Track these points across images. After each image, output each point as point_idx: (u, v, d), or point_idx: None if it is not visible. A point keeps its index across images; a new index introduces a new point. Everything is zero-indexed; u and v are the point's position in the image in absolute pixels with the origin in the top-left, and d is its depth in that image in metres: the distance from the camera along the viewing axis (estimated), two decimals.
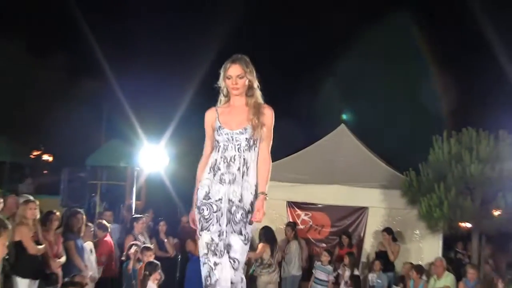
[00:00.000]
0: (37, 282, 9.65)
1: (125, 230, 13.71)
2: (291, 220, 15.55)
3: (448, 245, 15.53)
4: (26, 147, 26.06)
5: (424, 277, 13.33)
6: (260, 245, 13.71)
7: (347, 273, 13.75)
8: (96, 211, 16.39)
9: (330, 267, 13.98)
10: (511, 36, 22.46)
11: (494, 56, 22.29)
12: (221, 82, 5.71)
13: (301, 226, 15.57)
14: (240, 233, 5.43)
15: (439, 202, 13.92)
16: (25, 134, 26.38)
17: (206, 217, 5.52)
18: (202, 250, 5.54)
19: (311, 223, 15.69)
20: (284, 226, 15.20)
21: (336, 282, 14.04)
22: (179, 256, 14.18)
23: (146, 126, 19.02)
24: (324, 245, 15.46)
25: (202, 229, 5.55)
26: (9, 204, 10.94)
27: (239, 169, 5.55)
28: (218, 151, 5.65)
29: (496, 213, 14.26)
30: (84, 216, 11.40)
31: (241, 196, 5.50)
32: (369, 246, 15.27)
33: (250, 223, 5.50)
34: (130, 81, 25.14)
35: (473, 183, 14.04)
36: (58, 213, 10.77)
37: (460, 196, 13.98)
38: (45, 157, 27.93)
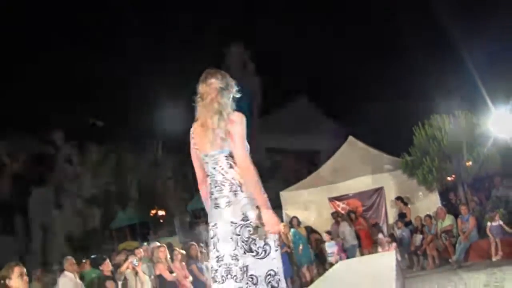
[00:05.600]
0: None
1: None
2: (334, 210, 15.47)
3: (443, 197, 15.47)
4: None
5: (433, 221, 13.69)
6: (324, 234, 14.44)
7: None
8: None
9: None
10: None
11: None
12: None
13: (342, 212, 15.37)
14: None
15: (429, 170, 14.21)
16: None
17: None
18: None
19: (348, 208, 15.44)
20: (330, 215, 15.31)
21: None
22: None
23: None
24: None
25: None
26: (145, 252, 11.29)
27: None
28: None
29: (468, 164, 14.40)
30: (197, 246, 11.44)
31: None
32: (390, 211, 15.32)
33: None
34: None
35: (448, 150, 14.24)
36: (177, 249, 11.20)
37: (442, 161, 14.20)
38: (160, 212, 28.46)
